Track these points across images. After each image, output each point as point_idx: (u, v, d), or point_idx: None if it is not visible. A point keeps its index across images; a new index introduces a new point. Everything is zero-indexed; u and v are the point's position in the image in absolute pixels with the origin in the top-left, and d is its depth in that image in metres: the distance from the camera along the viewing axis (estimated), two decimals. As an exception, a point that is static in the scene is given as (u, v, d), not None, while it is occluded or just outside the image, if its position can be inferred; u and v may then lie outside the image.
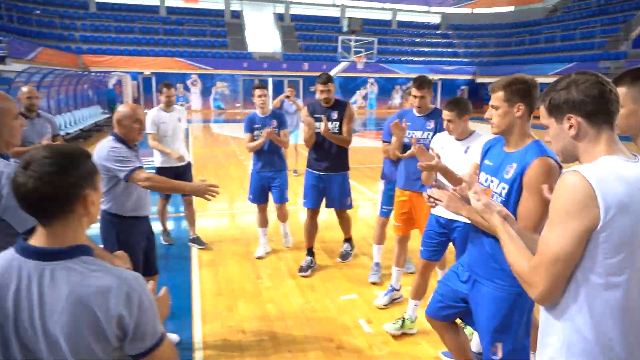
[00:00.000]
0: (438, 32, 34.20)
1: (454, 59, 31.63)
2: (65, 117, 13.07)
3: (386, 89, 29.69)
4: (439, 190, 1.98)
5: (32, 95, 4.23)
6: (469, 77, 30.59)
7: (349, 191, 4.53)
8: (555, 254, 1.30)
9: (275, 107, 8.70)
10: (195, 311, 3.71)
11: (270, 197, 4.83)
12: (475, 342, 3.01)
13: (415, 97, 3.63)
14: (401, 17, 33.89)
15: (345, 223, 4.71)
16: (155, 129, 4.78)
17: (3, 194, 1.75)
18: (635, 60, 19.92)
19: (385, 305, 3.79)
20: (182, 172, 4.93)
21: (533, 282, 1.35)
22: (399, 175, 3.78)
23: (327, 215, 5.67)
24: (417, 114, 3.71)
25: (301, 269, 4.45)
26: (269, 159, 4.68)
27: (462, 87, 30.63)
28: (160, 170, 4.84)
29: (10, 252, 1.20)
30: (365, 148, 12.87)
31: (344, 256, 4.77)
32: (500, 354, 2.12)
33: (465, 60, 31.62)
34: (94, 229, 2.18)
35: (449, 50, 32.65)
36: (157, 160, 4.93)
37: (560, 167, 1.91)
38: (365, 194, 7.82)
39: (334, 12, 32.31)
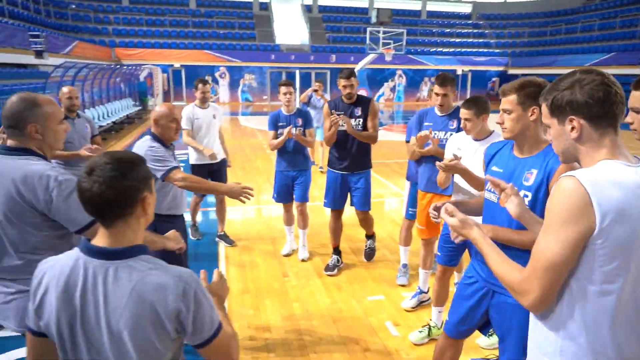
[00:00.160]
0: (469, 22, 33.33)
1: (485, 50, 30.82)
2: (98, 110, 13.42)
3: (414, 81, 29.23)
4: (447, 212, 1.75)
5: (73, 95, 4.27)
6: (500, 68, 29.78)
7: (370, 191, 4.43)
8: (550, 260, 1.27)
9: (302, 102, 8.72)
10: (222, 308, 3.76)
11: None
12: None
13: (437, 94, 3.47)
14: (431, 6, 33.17)
15: (366, 222, 4.61)
16: (189, 125, 4.80)
17: (53, 197, 1.80)
18: (680, 51, 18.93)
19: (413, 307, 3.75)
20: (216, 170, 4.95)
21: (526, 289, 1.32)
22: (420, 176, 3.69)
23: (353, 213, 5.62)
24: (439, 113, 3.56)
25: (327, 268, 4.44)
26: (293, 158, 4.60)
27: (493, 79, 29.87)
28: (195, 168, 4.88)
29: (75, 252, 1.29)
30: (393, 142, 12.69)
31: (369, 255, 4.71)
32: None
33: (497, 51, 30.77)
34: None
35: (480, 40, 31.81)
36: (192, 157, 4.95)
37: None
38: (391, 189, 7.73)
39: (363, 3, 31.88)
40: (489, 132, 2.89)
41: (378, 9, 22.00)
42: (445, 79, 3.43)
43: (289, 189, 4.69)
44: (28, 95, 1.92)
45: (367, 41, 21.37)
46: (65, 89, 4.32)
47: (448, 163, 2.53)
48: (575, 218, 1.23)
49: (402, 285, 4.18)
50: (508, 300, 2.07)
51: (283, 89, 4.50)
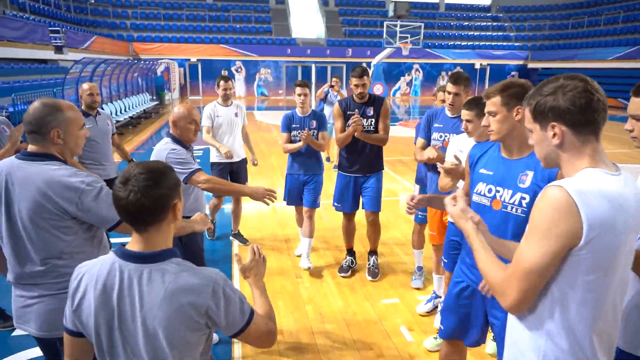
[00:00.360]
0: (488, 14, 32.70)
1: (505, 43, 30.23)
2: (115, 105, 13.56)
3: (431, 75, 28.86)
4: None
5: (94, 92, 4.23)
6: (520, 62, 29.20)
7: (381, 192, 4.26)
8: (529, 267, 1.27)
9: (319, 98, 8.64)
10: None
11: None
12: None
13: (449, 93, 3.30)
14: (449, -1, 32.65)
15: (373, 230, 4.29)
16: (209, 122, 4.73)
17: (83, 199, 1.84)
18: None
19: (427, 312, 3.69)
20: (236, 169, 4.91)
21: (505, 291, 1.32)
22: (429, 180, 3.61)
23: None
24: (450, 115, 3.39)
25: (341, 269, 4.39)
26: (305, 162, 4.39)
27: (513, 73, 29.29)
28: (214, 166, 4.85)
29: (110, 257, 1.37)
30: (409, 138, 12.49)
31: (374, 273, 4.28)
32: None
33: (517, 44, 30.15)
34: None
35: (500, 33, 31.19)
36: (213, 154, 4.88)
37: None
38: (406, 187, 7.64)
39: (380, -4, 31.55)
40: None
41: (395, 2, 21.76)
42: (459, 77, 3.26)
43: (300, 193, 4.50)
44: (50, 100, 1.93)
45: (384, 35, 21.15)
46: (85, 86, 4.29)
47: (448, 167, 2.48)
48: (560, 229, 1.23)
49: (417, 289, 4.12)
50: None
51: (298, 90, 4.32)
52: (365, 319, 3.64)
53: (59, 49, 15.88)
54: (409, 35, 21.25)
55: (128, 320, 1.32)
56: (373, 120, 4.04)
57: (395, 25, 20.92)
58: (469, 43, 29.91)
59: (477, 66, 28.71)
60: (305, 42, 27.56)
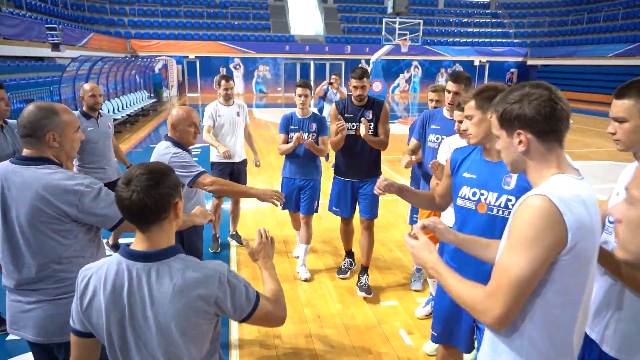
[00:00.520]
0: (487, 11, 32.60)
1: (504, 40, 30.15)
2: (113, 103, 13.48)
3: (430, 72, 28.78)
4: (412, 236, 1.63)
5: (96, 93, 4.14)
6: (519, 59, 29.14)
7: (378, 198, 4.03)
8: (516, 278, 1.27)
9: (318, 96, 8.56)
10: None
11: None
12: None
13: (449, 92, 3.22)
14: (449, -4, 32.53)
15: (367, 237, 4.04)
16: (211, 122, 4.65)
17: (83, 201, 1.83)
18: None
19: (426, 316, 3.65)
20: (236, 169, 4.84)
21: (489, 307, 1.30)
22: (422, 183, 3.55)
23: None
24: (449, 116, 3.31)
25: (340, 271, 4.35)
26: (303, 165, 4.21)
27: (512, 70, 29.25)
28: (214, 165, 4.79)
29: (116, 257, 1.42)
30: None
31: (367, 290, 3.96)
32: None
33: (516, 41, 30.07)
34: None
35: (499, 30, 31.10)
36: (213, 154, 4.81)
37: None
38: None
39: (379, -8, 31.41)
40: None
41: (394, -1, 21.59)
42: (459, 76, 3.21)
43: (296, 198, 4.30)
44: (45, 103, 1.92)
45: (383, 32, 21.05)
46: (87, 86, 4.19)
47: (439, 172, 2.44)
48: (546, 236, 1.24)
49: (417, 291, 4.08)
50: None
51: (299, 90, 4.12)
52: (364, 322, 3.60)
53: (55, 47, 15.78)
54: (408, 32, 21.15)
55: (139, 317, 1.37)
56: (372, 124, 3.84)
57: (394, 22, 20.81)
58: (468, 40, 29.82)
59: (477, 63, 28.63)
60: (303, 39, 27.45)
